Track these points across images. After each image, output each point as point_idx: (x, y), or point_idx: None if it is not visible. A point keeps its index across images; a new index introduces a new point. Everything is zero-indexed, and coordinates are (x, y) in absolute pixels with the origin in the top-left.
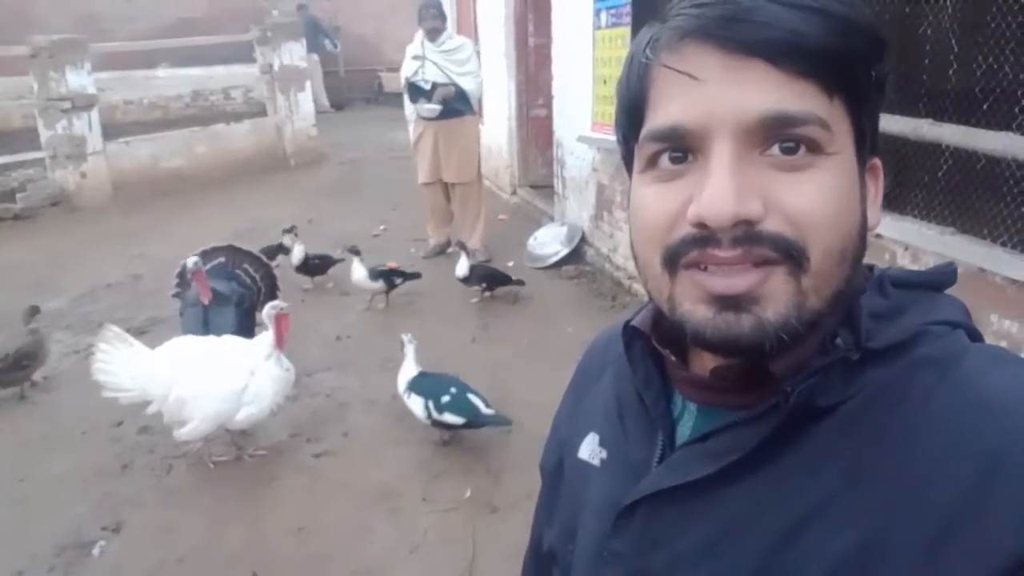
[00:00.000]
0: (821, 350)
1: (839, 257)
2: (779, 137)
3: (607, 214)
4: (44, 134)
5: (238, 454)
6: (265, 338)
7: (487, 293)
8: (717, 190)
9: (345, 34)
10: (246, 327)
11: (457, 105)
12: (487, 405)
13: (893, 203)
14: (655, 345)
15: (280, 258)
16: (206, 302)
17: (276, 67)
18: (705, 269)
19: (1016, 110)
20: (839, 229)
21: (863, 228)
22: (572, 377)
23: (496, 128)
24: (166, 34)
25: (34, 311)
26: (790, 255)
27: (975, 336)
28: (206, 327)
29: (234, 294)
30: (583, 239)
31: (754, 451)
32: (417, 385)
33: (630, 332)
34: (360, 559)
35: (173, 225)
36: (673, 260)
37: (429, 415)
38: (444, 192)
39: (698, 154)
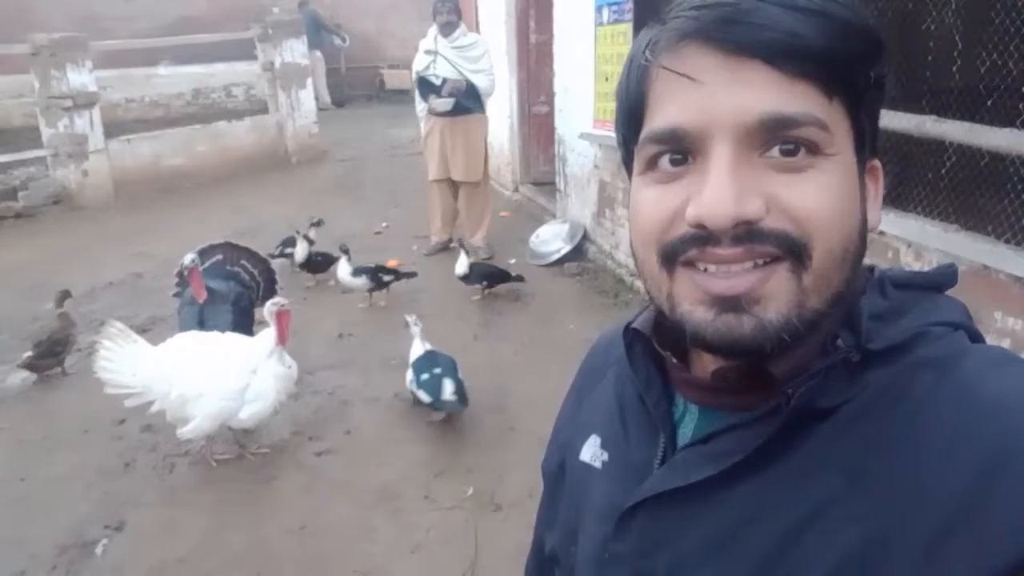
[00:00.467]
0: (822, 351)
1: (840, 257)
2: (778, 139)
3: (609, 211)
4: (45, 132)
5: (240, 452)
6: (267, 335)
7: (487, 291)
8: (716, 191)
9: (346, 31)
10: (243, 325)
11: (466, 102)
12: (456, 392)
13: (896, 200)
14: (656, 347)
15: (279, 259)
16: (200, 301)
17: (277, 64)
18: (705, 270)
19: (1020, 106)
20: (840, 229)
21: (863, 229)
22: (574, 379)
23: (498, 125)
24: (167, 32)
25: (65, 295)
26: (792, 251)
27: (975, 337)
28: (202, 326)
29: (231, 292)
30: (585, 236)
31: (755, 453)
32: (418, 362)
33: (631, 334)
34: (362, 558)
35: (174, 223)
36: (671, 257)
37: (411, 389)
38: (452, 190)
39: (697, 156)
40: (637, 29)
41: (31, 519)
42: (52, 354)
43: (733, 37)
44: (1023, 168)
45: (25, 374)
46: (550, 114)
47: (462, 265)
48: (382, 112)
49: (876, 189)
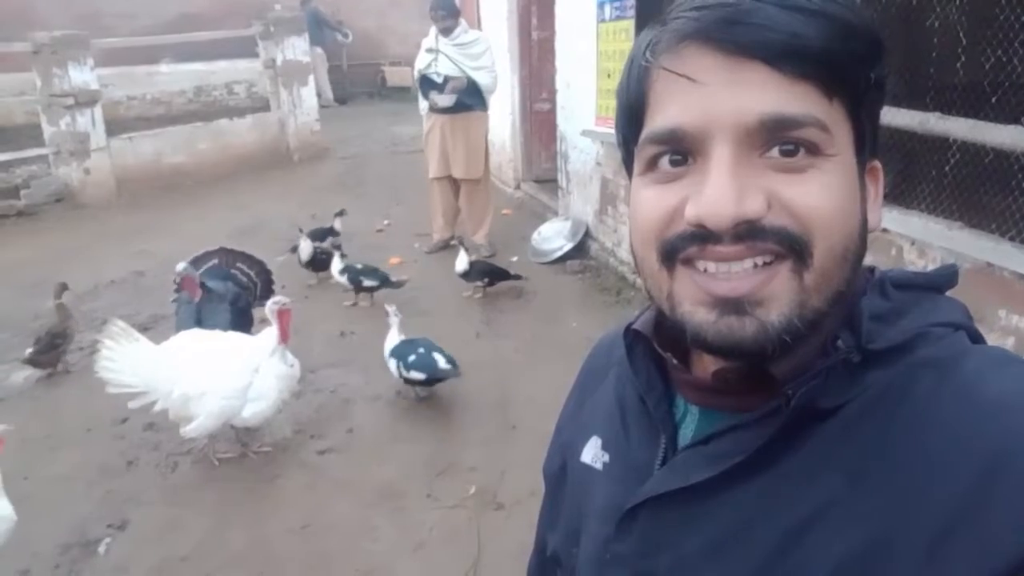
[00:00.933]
0: (822, 352)
1: (841, 255)
2: (778, 139)
3: (611, 208)
4: (47, 130)
5: (243, 451)
6: (269, 334)
7: (486, 288)
8: (717, 191)
9: (347, 28)
10: (241, 325)
11: (467, 100)
12: (448, 362)
13: (900, 197)
14: (656, 348)
15: (280, 258)
16: (196, 299)
17: (279, 62)
18: (705, 270)
19: None
20: (841, 227)
21: (863, 229)
22: (575, 380)
23: (500, 122)
24: (168, 29)
25: (63, 288)
26: (793, 249)
27: (976, 338)
28: (199, 325)
29: (229, 292)
30: (587, 234)
31: (756, 453)
32: (396, 350)
33: (632, 335)
34: (364, 556)
35: (176, 221)
36: (670, 255)
37: (400, 375)
38: (453, 188)
39: (698, 156)
40: (639, 25)
41: (34, 518)
42: (52, 347)
43: (733, 38)
44: None
45: (28, 372)
46: (552, 111)
47: (462, 262)
48: (384, 109)
49: (876, 190)
